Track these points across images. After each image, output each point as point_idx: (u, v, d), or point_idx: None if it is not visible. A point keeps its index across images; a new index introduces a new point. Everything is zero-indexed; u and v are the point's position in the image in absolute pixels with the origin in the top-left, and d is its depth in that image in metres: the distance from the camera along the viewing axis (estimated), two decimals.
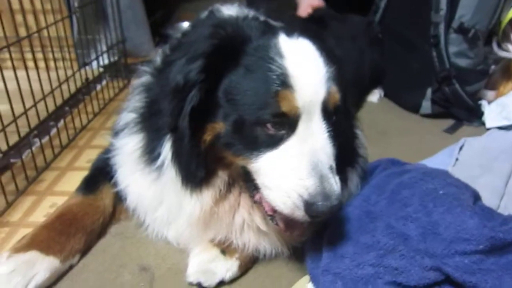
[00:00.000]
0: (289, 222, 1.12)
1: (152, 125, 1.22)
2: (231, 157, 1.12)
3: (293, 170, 1.03)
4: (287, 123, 1.04)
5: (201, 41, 1.09)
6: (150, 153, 1.22)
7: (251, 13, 1.30)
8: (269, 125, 1.04)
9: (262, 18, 1.26)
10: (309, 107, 1.04)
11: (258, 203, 1.18)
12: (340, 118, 1.14)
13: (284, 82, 1.03)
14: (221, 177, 1.19)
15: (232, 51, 1.07)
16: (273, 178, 1.05)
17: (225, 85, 1.07)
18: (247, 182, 1.18)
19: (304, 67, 1.06)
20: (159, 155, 1.19)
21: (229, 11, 1.31)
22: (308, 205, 1.00)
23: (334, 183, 1.03)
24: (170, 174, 1.18)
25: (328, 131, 1.08)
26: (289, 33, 1.13)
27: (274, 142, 1.05)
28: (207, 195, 1.18)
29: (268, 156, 1.06)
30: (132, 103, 1.33)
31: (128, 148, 1.30)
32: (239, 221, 1.24)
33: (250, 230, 1.25)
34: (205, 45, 1.05)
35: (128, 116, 1.33)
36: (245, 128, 1.05)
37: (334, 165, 1.07)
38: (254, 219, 1.23)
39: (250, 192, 1.19)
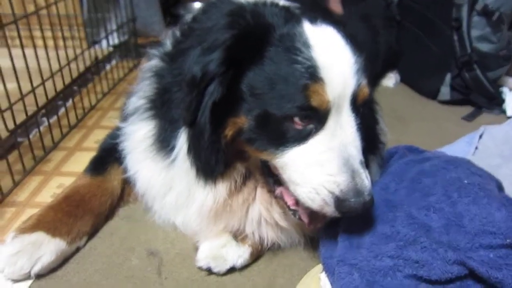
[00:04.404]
0: (312, 216, 1.09)
1: (165, 114, 1.17)
2: (254, 151, 1.07)
3: (323, 165, 0.98)
4: (316, 117, 0.99)
5: (218, 31, 1.01)
6: (163, 143, 1.18)
7: None
8: (297, 120, 0.99)
9: (279, 2, 1.19)
10: (339, 101, 0.99)
11: (278, 198, 1.14)
12: (366, 104, 1.10)
13: (314, 75, 0.97)
14: (238, 169, 1.14)
15: (255, 42, 1.00)
16: (301, 174, 1.01)
17: (248, 78, 1.01)
18: (266, 176, 1.14)
19: (333, 58, 1.00)
20: (173, 147, 1.15)
21: None
22: (340, 202, 0.97)
23: (366, 178, 0.99)
24: (184, 165, 1.14)
25: (357, 124, 1.03)
26: (312, 19, 1.07)
27: (302, 137, 1.00)
28: (222, 187, 1.13)
29: (296, 151, 1.01)
30: (141, 88, 1.28)
31: (138, 135, 1.25)
32: (255, 215, 1.20)
33: (268, 225, 1.21)
34: (224, 36, 0.98)
35: (138, 101, 1.28)
36: (271, 123, 1.00)
37: (363, 159, 1.02)
38: (272, 215, 1.19)
39: (270, 187, 1.15)
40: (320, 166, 0.99)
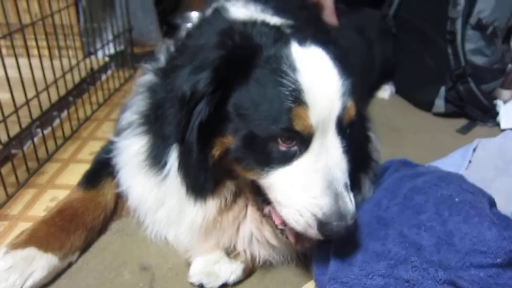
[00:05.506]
0: (299, 236, 1.08)
1: (158, 130, 1.18)
2: (241, 171, 1.08)
3: (307, 188, 0.98)
4: (300, 139, 0.99)
5: (208, 50, 1.03)
6: (155, 159, 1.19)
7: (258, 9, 1.25)
8: (281, 141, 0.99)
9: (271, 18, 1.20)
10: (324, 124, 0.99)
11: (267, 216, 1.14)
12: (354, 125, 1.09)
13: (298, 99, 0.97)
14: (228, 187, 1.15)
15: (241, 63, 1.01)
16: (286, 195, 1.01)
17: (234, 99, 1.02)
18: (256, 195, 1.14)
19: (318, 82, 1.00)
20: (165, 164, 1.16)
21: (236, 10, 1.25)
22: (322, 225, 0.97)
23: (349, 202, 0.98)
24: (175, 181, 1.15)
25: (343, 146, 1.03)
26: (301, 40, 1.07)
27: (286, 159, 1.00)
28: (212, 204, 1.14)
29: (280, 173, 1.01)
30: (135, 103, 1.29)
31: (132, 150, 1.26)
32: (246, 233, 1.20)
33: (259, 243, 1.21)
34: (213, 56, 1.00)
35: (131, 116, 1.29)
36: (256, 144, 1.01)
37: (348, 182, 1.02)
38: (263, 234, 1.19)
39: (259, 205, 1.15)
40: (304, 188, 0.99)
